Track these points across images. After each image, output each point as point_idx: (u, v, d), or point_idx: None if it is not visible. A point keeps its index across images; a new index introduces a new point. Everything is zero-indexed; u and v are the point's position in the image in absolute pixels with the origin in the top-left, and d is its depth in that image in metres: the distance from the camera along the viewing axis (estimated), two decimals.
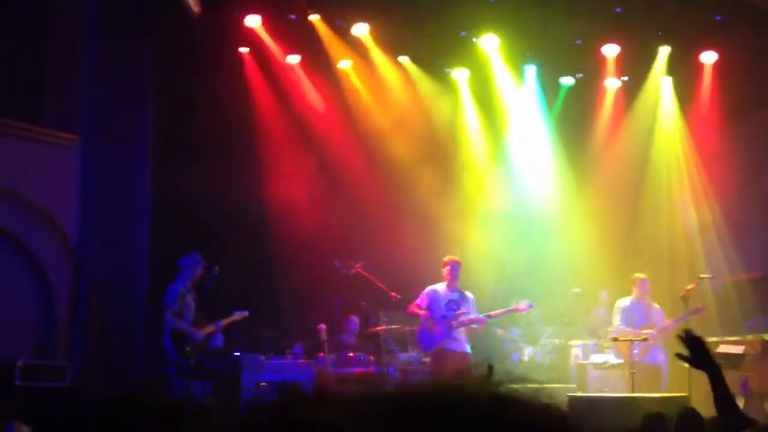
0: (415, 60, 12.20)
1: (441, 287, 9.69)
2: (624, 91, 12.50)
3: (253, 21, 11.25)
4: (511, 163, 12.77)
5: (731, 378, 7.61)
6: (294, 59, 11.83)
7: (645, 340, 9.52)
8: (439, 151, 12.38)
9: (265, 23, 11.34)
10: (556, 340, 11.19)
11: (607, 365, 10.25)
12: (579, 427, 1.26)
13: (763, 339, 9.33)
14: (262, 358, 9.64)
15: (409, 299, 9.77)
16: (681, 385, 8.82)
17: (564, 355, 11.06)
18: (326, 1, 11.36)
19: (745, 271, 11.46)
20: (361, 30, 11.56)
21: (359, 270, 10.15)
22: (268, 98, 11.77)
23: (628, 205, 12.17)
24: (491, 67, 12.18)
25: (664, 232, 12.22)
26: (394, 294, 9.94)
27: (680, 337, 3.83)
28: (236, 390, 8.86)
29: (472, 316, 9.56)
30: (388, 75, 12.15)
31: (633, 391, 8.54)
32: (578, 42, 11.85)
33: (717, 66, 11.81)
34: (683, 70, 12.06)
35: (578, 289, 11.54)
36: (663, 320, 10.02)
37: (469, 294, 9.74)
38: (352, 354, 10.16)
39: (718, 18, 11.22)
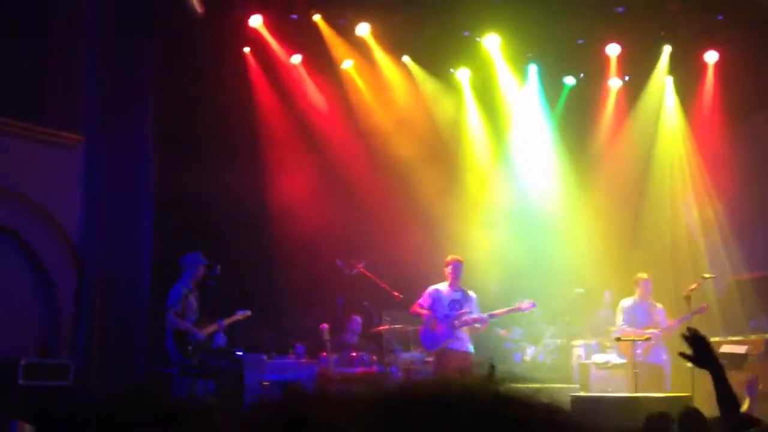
0: (418, 60, 12.20)
1: (443, 287, 9.69)
2: (626, 90, 12.49)
3: (255, 21, 11.25)
4: (514, 162, 12.76)
5: (740, 378, 7.62)
6: (296, 59, 11.83)
7: (648, 339, 9.52)
8: (442, 150, 12.38)
9: (268, 23, 11.35)
10: (559, 340, 11.19)
11: (610, 365, 10.25)
12: (579, 426, 1.26)
13: (766, 339, 9.34)
14: (265, 357, 9.64)
15: (412, 299, 9.77)
16: (684, 385, 8.81)
17: (566, 355, 11.05)
18: (328, 1, 11.37)
19: (748, 271, 11.44)
20: (363, 30, 11.56)
21: (362, 270, 10.15)
22: (270, 98, 11.77)
23: (630, 205, 12.15)
24: (494, 66, 12.18)
25: (666, 231, 12.20)
26: (396, 294, 9.94)
27: (685, 337, 3.84)
28: (239, 389, 8.86)
29: (474, 316, 9.57)
30: (391, 75, 12.15)
31: (636, 391, 8.54)
32: (580, 42, 11.85)
33: (719, 65, 11.80)
34: (685, 70, 12.05)
35: (581, 289, 11.54)
36: (665, 320, 10.02)
37: (471, 293, 9.74)
38: (354, 354, 10.16)
39: (720, 17, 11.22)
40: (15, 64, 9.53)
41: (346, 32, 11.60)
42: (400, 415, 1.15)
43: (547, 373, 10.79)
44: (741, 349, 9.23)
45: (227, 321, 9.25)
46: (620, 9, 11.14)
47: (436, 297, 9.62)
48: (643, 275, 10.19)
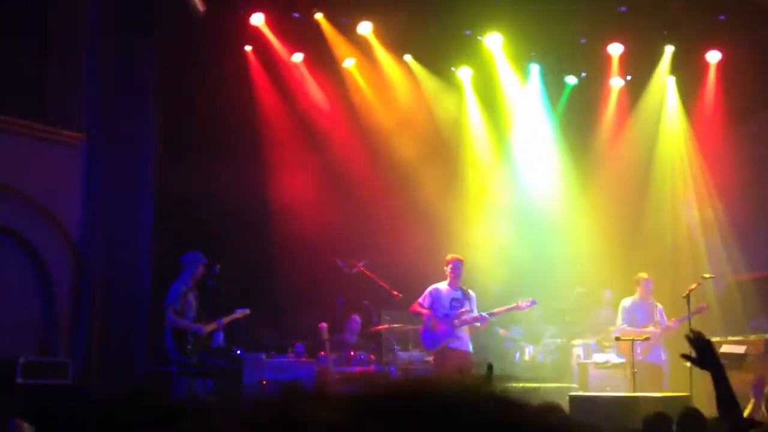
0: (419, 58, 12.20)
1: (443, 286, 9.69)
2: (628, 90, 12.49)
3: (257, 19, 11.25)
4: (515, 161, 12.76)
5: (739, 378, 7.63)
6: (298, 57, 11.82)
7: (647, 339, 9.52)
8: (443, 149, 12.37)
9: (269, 21, 11.34)
10: (558, 340, 11.19)
11: (609, 365, 10.25)
12: (572, 426, 1.26)
13: (766, 339, 9.33)
14: (264, 356, 9.64)
15: (412, 298, 9.78)
16: (682, 385, 8.81)
17: (566, 354, 11.05)
18: (330, 0, 11.36)
19: (748, 271, 11.44)
20: (365, 28, 11.56)
21: (362, 269, 10.15)
22: (272, 96, 11.76)
23: (631, 204, 12.15)
24: (495, 65, 12.18)
25: (667, 231, 12.20)
26: (396, 293, 9.94)
27: (688, 338, 3.85)
28: (238, 388, 8.86)
29: (474, 315, 9.57)
30: (392, 73, 12.15)
31: (635, 391, 8.54)
32: (582, 41, 11.85)
33: (721, 65, 11.80)
34: (687, 70, 12.04)
35: (582, 289, 11.54)
36: (665, 320, 10.02)
37: (471, 292, 9.75)
38: (353, 353, 10.16)
39: (723, 17, 11.20)
40: (15, 64, 9.54)
41: (347, 31, 11.60)
42: (391, 413, 1.15)
43: (546, 372, 10.80)
44: (740, 349, 9.23)
45: (226, 319, 9.25)
46: (623, 8, 11.13)
47: (436, 296, 9.62)
48: (644, 275, 10.19)
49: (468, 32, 11.83)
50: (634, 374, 8.77)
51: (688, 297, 9.33)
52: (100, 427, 2.30)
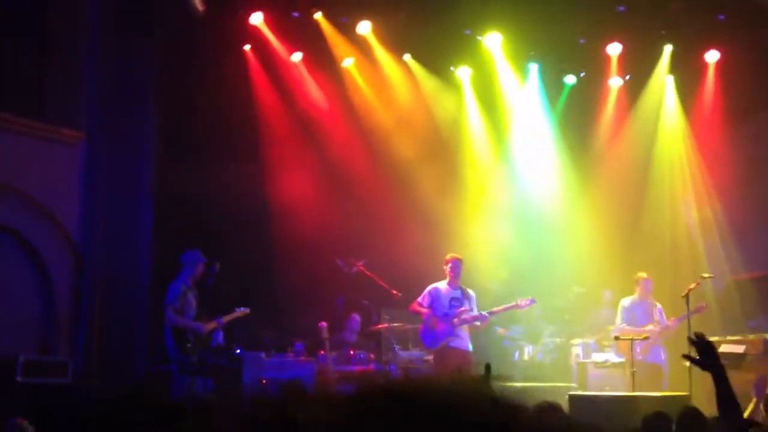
0: (419, 58, 12.20)
1: (443, 285, 9.70)
2: (627, 89, 12.50)
3: (256, 18, 11.25)
4: (514, 161, 12.77)
5: (739, 378, 7.63)
6: (297, 57, 11.83)
7: (647, 338, 9.52)
8: (442, 149, 12.38)
9: (268, 21, 11.35)
10: (558, 339, 11.20)
11: (608, 364, 10.26)
12: (572, 426, 1.27)
13: (765, 338, 9.34)
14: (263, 355, 9.65)
15: (412, 297, 9.78)
16: (682, 385, 8.82)
17: (565, 353, 11.06)
18: None
19: (747, 271, 11.45)
20: (364, 28, 11.56)
21: (361, 268, 10.15)
22: (271, 96, 11.76)
23: (630, 204, 12.16)
24: (494, 65, 12.19)
25: (666, 231, 12.21)
26: (396, 292, 9.95)
27: (691, 340, 3.89)
28: (238, 387, 8.87)
29: (474, 314, 9.58)
30: (392, 73, 12.15)
31: (634, 390, 8.54)
32: (581, 41, 11.86)
33: (720, 65, 11.81)
34: (686, 69, 12.05)
35: (581, 288, 11.55)
36: (665, 319, 10.02)
37: (471, 291, 9.76)
38: (353, 352, 10.17)
39: (722, 17, 11.21)
40: (15, 64, 9.54)
41: (347, 30, 11.60)
42: (386, 414, 1.16)
43: (545, 371, 10.81)
44: (739, 349, 9.23)
45: (227, 318, 9.25)
46: (621, 8, 11.14)
47: (436, 295, 9.63)
48: (643, 274, 10.20)
49: (467, 32, 11.84)
50: (633, 374, 8.78)
51: (687, 296, 9.34)
52: (100, 427, 2.30)
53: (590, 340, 10.80)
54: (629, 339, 9.27)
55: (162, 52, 10.20)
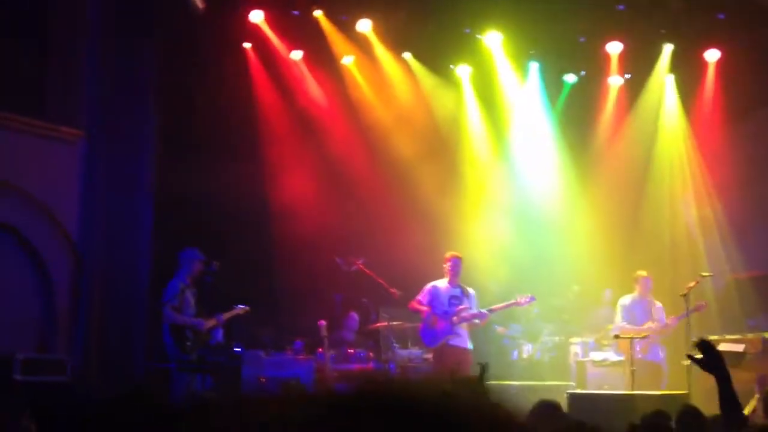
0: (419, 56, 12.20)
1: (442, 283, 9.71)
2: (627, 88, 12.50)
3: (256, 17, 11.25)
4: (514, 160, 12.77)
5: (737, 377, 7.63)
6: (297, 55, 11.83)
7: (646, 337, 9.53)
8: (442, 147, 12.38)
9: (269, 19, 11.35)
10: (557, 338, 11.21)
11: (607, 363, 10.26)
12: (522, 426, 1.26)
13: (764, 337, 9.33)
14: (263, 353, 9.65)
15: (411, 296, 9.79)
16: (680, 384, 8.82)
17: (564, 352, 11.07)
18: None
19: (747, 270, 11.46)
20: (364, 26, 11.56)
21: (360, 266, 10.15)
22: (271, 94, 11.77)
23: (630, 203, 12.16)
24: (494, 64, 12.18)
25: (666, 229, 12.22)
26: (395, 290, 9.95)
27: (696, 344, 3.95)
28: (237, 385, 8.87)
29: (473, 312, 9.58)
30: (392, 71, 12.15)
31: (633, 389, 8.55)
32: (582, 39, 11.85)
33: (720, 64, 11.80)
34: (686, 68, 12.05)
35: (579, 287, 11.56)
36: (664, 318, 10.03)
37: (470, 290, 9.76)
38: (351, 350, 10.18)
39: (722, 16, 11.21)
40: (15, 64, 9.54)
41: (347, 28, 11.60)
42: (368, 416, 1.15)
43: (544, 370, 10.82)
44: (739, 348, 9.23)
45: (226, 315, 9.25)
46: (621, 7, 11.14)
47: (435, 294, 9.63)
48: (643, 273, 10.20)
49: (467, 30, 11.84)
50: (632, 372, 8.78)
51: (686, 295, 9.34)
52: (100, 427, 2.30)
53: (589, 339, 10.81)
54: (628, 337, 9.28)
55: (162, 52, 10.19)
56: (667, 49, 11.90)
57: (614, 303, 10.48)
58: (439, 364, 9.52)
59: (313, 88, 12.02)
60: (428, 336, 9.63)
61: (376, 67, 12.04)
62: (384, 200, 11.50)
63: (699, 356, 3.92)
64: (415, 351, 10.43)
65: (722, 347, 9.08)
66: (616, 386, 9.60)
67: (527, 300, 9.86)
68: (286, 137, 11.71)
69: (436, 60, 12.25)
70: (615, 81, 12.44)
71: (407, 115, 12.23)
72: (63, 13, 9.85)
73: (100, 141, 9.72)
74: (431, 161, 11.91)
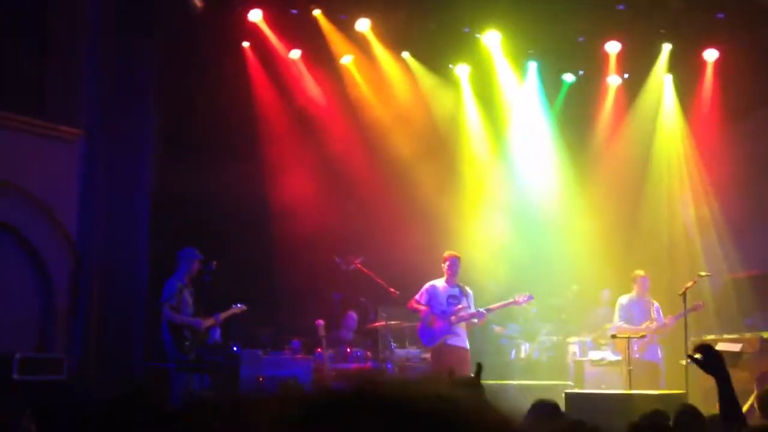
0: (417, 55, 12.21)
1: (440, 283, 9.71)
2: (625, 88, 12.51)
3: (255, 16, 11.26)
4: (513, 159, 12.78)
5: (736, 376, 7.66)
6: (296, 54, 11.84)
7: (643, 337, 9.54)
8: (441, 146, 12.39)
9: (267, 18, 11.35)
10: (554, 337, 11.23)
11: (605, 362, 10.28)
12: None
13: (761, 337, 9.35)
14: (260, 353, 9.66)
15: (409, 295, 9.79)
16: (678, 383, 8.84)
17: (562, 351, 11.09)
18: None
19: (744, 269, 11.48)
20: (363, 25, 11.57)
21: (359, 266, 10.15)
22: (270, 93, 11.77)
23: (628, 202, 12.17)
24: (493, 63, 12.19)
25: (664, 229, 12.23)
26: (393, 290, 9.96)
27: (697, 347, 3.98)
28: (235, 384, 8.88)
29: (472, 311, 9.59)
30: (390, 70, 12.16)
31: (630, 388, 8.56)
32: (580, 39, 11.86)
33: (719, 64, 11.82)
34: (685, 68, 12.07)
35: (576, 287, 11.58)
36: (662, 317, 10.05)
37: (468, 289, 9.76)
38: (349, 350, 10.19)
39: (720, 16, 11.22)
40: (15, 64, 9.54)
41: (345, 27, 11.61)
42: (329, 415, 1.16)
43: (542, 369, 10.84)
44: (736, 347, 9.25)
45: (224, 315, 9.26)
46: (621, 6, 11.15)
47: (433, 293, 9.63)
48: (641, 272, 10.21)
49: (466, 29, 11.85)
50: (630, 372, 8.79)
51: (684, 295, 9.35)
52: (100, 427, 2.32)
53: (587, 339, 10.83)
54: (626, 337, 9.29)
55: (162, 52, 10.20)
56: (666, 48, 11.92)
57: (613, 303, 10.49)
58: (437, 364, 9.53)
59: (311, 87, 12.02)
60: (426, 335, 9.64)
61: (374, 67, 12.04)
62: (383, 200, 11.51)
63: (698, 356, 3.94)
64: (413, 350, 10.44)
65: (720, 347, 9.11)
66: (614, 386, 9.62)
67: (525, 299, 9.86)
68: (285, 137, 11.72)
69: (435, 59, 12.26)
70: (614, 80, 12.45)
71: (406, 114, 12.24)
72: (63, 13, 9.86)
73: (99, 141, 9.73)
74: (430, 160, 11.92)
